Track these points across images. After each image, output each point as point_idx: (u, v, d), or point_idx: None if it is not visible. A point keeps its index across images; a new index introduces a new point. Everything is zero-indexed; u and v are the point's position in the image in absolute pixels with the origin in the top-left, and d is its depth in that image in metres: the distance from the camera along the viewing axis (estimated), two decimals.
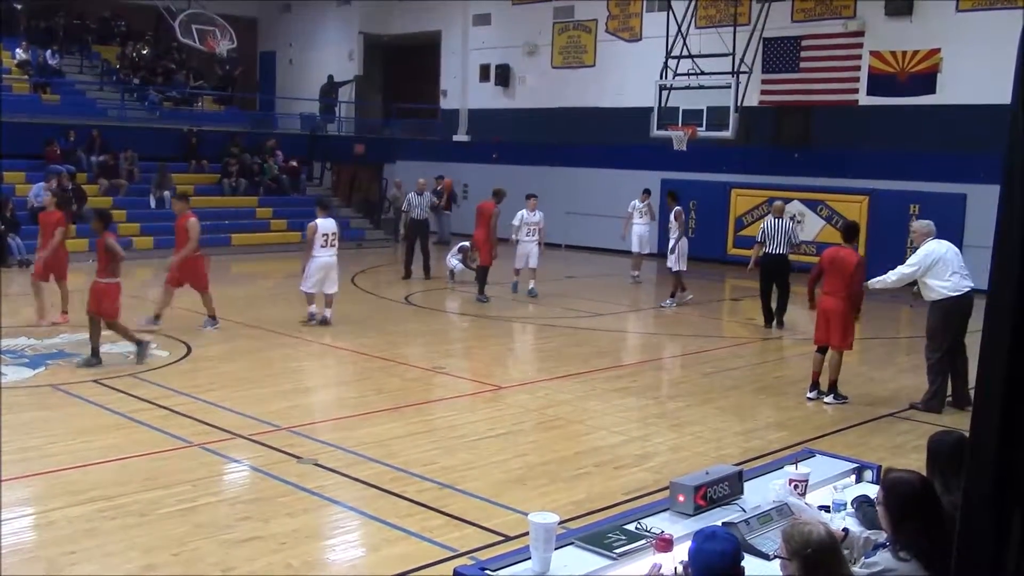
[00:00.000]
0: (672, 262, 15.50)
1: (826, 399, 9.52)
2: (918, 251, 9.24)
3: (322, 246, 12.79)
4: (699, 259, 17.56)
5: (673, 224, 15.59)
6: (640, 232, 18.22)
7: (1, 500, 5.96)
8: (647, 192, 18.60)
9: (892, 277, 9.29)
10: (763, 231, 13.75)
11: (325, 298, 12.98)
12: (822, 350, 9.57)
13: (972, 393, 8.23)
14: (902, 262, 9.67)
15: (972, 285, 9.05)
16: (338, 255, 13.07)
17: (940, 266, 9.03)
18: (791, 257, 13.74)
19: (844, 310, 9.32)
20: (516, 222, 15.96)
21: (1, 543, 5.41)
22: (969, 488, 2.15)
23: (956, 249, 9.25)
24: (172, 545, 5.54)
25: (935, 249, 9.11)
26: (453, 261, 17.64)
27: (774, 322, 13.75)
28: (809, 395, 9.62)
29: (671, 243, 15.52)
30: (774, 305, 13.67)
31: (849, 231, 9.79)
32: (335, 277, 13.00)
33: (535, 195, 16.24)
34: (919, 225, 9.51)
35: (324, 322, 12.85)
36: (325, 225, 12.89)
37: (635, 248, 18.30)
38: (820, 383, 9.62)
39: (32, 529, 5.91)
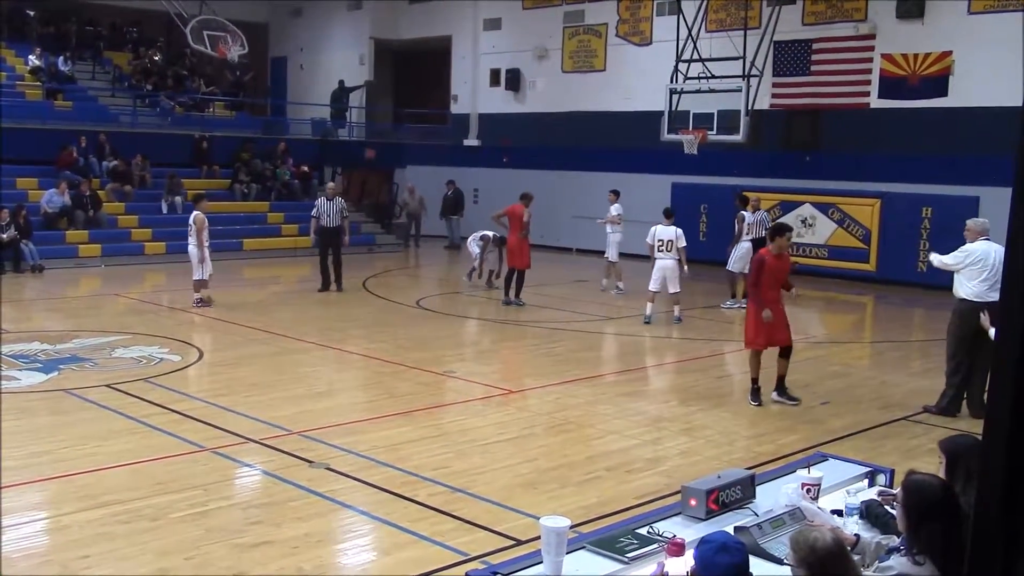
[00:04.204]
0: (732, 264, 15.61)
1: (777, 396, 9.50)
2: (963, 247, 9.13)
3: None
4: (710, 262, 17.50)
5: (738, 227, 15.76)
6: (612, 239, 17.18)
7: (1, 506, 5.99)
8: (614, 193, 17.71)
9: (941, 259, 9.26)
10: (749, 221, 15.65)
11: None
12: (757, 353, 9.48)
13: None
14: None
15: (996, 298, 8.97)
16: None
17: (975, 268, 8.94)
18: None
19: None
20: (650, 239, 14.22)
21: (1, 547, 5.44)
22: (982, 492, 2.14)
23: (1002, 256, 9.09)
24: (184, 549, 5.56)
25: (976, 249, 8.99)
26: (474, 246, 17.71)
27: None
28: (776, 397, 9.51)
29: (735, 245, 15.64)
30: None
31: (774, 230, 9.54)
32: (195, 264, 14.34)
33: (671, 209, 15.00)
34: (972, 223, 9.36)
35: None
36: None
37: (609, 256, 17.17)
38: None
39: (45, 533, 5.94)
